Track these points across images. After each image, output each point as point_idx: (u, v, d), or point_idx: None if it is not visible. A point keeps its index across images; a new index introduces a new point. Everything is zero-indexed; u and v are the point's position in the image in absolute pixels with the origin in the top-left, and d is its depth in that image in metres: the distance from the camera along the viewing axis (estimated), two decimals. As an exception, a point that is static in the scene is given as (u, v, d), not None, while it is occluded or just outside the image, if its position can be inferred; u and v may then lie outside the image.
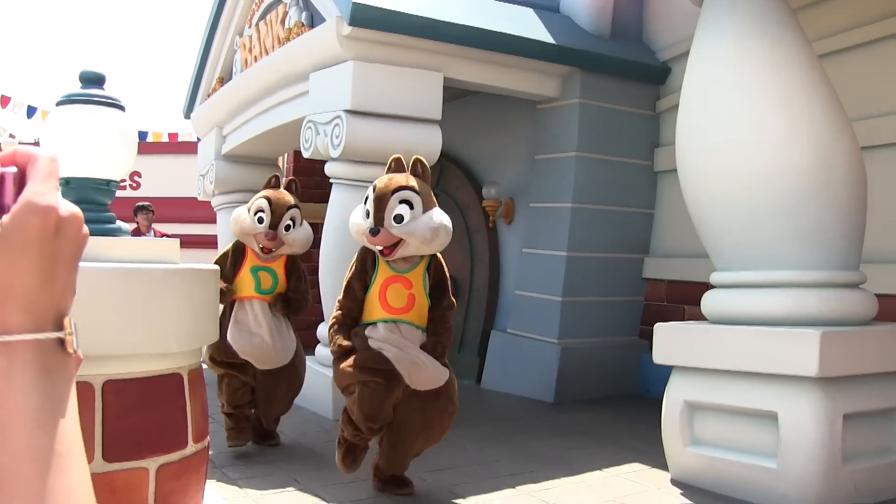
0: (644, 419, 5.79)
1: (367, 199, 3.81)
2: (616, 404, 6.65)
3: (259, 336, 4.74)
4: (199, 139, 10.31)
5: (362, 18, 5.73)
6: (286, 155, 11.20)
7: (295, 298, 4.98)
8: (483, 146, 8.46)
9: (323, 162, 6.42)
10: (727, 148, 4.15)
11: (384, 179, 3.82)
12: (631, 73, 7.10)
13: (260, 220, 4.78)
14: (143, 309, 2.28)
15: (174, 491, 2.39)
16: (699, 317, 4.57)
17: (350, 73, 5.90)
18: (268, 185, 5.05)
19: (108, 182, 2.75)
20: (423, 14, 5.94)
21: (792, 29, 4.26)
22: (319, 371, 6.26)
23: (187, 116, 10.36)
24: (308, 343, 9.12)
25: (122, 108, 2.77)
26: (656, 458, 4.57)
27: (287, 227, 4.86)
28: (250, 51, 8.03)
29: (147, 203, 8.73)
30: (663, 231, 7.30)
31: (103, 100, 2.70)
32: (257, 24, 7.88)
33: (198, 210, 12.70)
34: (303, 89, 6.69)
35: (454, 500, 3.96)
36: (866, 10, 5.54)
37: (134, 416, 2.27)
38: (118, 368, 2.25)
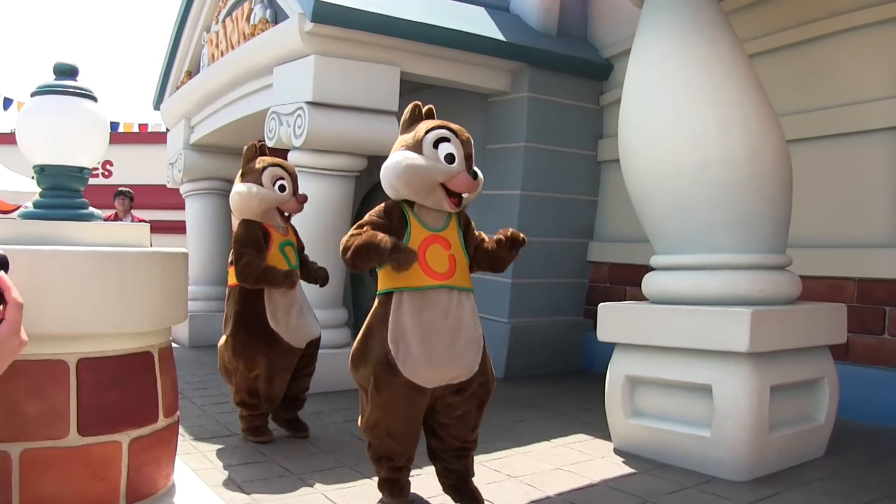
0: (588, 393, 5.83)
1: (439, 141, 3.04)
2: (562, 379, 6.69)
3: (301, 313, 4.37)
4: (168, 129, 10.15)
5: (323, 15, 5.66)
6: (251, 145, 11.04)
7: (325, 270, 4.67)
8: (438, 137, 8.39)
9: (286, 151, 6.35)
10: (666, 141, 4.16)
11: (453, 125, 3.18)
12: (576, 69, 7.10)
13: (282, 189, 4.28)
14: (115, 290, 2.27)
15: (146, 463, 2.36)
16: (640, 297, 4.60)
17: (312, 67, 5.84)
18: (255, 153, 4.41)
19: (81, 170, 2.71)
20: (381, 12, 5.87)
21: (725, 30, 4.29)
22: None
23: (157, 108, 10.20)
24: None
25: (94, 98, 2.73)
26: (600, 430, 4.60)
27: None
28: (217, 46, 7.90)
29: (126, 189, 8.50)
30: (606, 217, 7.34)
31: (76, 91, 2.67)
32: (224, 21, 7.74)
33: (167, 197, 12.51)
34: (267, 82, 6.61)
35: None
36: (791, 14, 5.60)
37: (108, 393, 2.27)
38: (92, 347, 2.25)
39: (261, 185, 4.24)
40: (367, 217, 3.07)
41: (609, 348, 4.41)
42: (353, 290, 9.04)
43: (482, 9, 6.91)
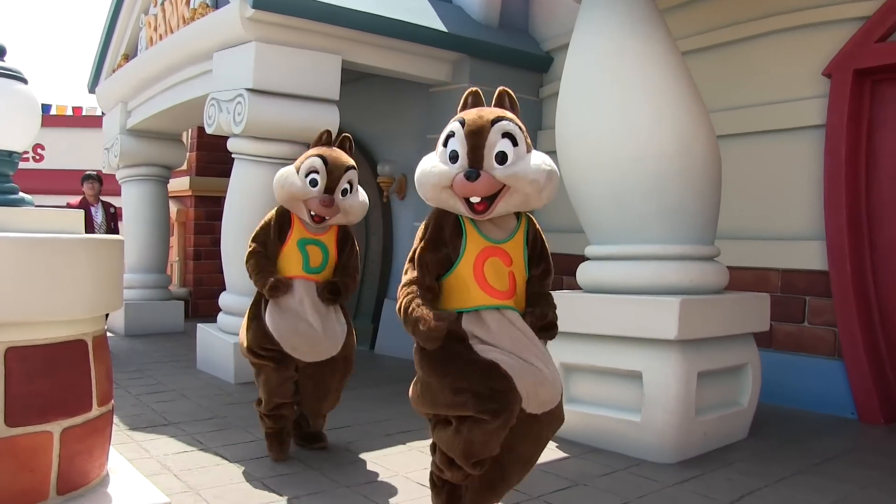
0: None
1: (448, 138, 2.59)
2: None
3: (305, 322, 3.71)
4: (103, 113, 9.87)
5: (265, 2, 5.57)
6: (190, 130, 10.85)
7: (343, 283, 3.87)
8: (378, 126, 8.38)
9: (225, 138, 6.25)
10: (601, 134, 4.22)
11: (472, 112, 2.63)
12: (516, 60, 7.14)
13: (313, 183, 3.71)
14: (46, 278, 2.20)
15: (79, 453, 2.31)
16: (575, 286, 4.67)
17: (252, 53, 5.75)
18: (319, 142, 3.93)
19: (11, 153, 2.62)
20: (323, 0, 5.81)
21: (660, 28, 4.36)
22: (221, 338, 6.13)
23: (92, 91, 9.91)
24: (210, 312, 8.94)
25: (24, 80, 2.63)
26: (535, 414, 4.65)
27: (344, 192, 3.80)
28: (155, 29, 7.71)
29: (94, 172, 8.14)
30: (543, 207, 7.38)
31: (5, 72, 2.57)
32: (163, 4, 7.55)
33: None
34: (206, 68, 6.49)
35: (350, 455, 3.94)
36: (724, 14, 5.73)
37: (38, 382, 2.21)
38: (21, 335, 2.19)
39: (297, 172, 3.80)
40: (420, 230, 2.67)
41: (545, 336, 4.45)
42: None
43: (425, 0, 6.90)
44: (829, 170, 5.09)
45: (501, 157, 2.53)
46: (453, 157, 2.54)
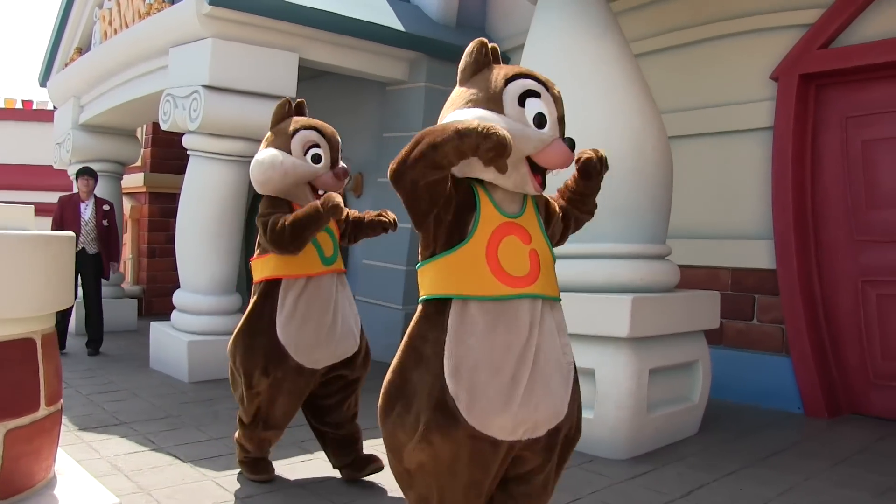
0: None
1: (524, 95, 2.09)
2: (456, 363, 6.74)
3: (330, 328, 3.24)
4: (55, 108, 9.66)
5: (221, -2, 5.50)
6: (144, 126, 10.68)
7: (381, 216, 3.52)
8: (335, 123, 8.15)
9: (180, 134, 6.16)
10: (556, 133, 4.24)
11: (541, 75, 2.21)
12: (473, 61, 7.15)
13: (316, 159, 3.24)
14: None
15: (25, 454, 2.25)
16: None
17: (209, 50, 5.68)
18: (285, 114, 3.39)
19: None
20: (280, -4, 5.76)
21: (613, 30, 4.41)
22: (175, 336, 6.04)
23: (43, 84, 9.69)
24: (164, 310, 8.80)
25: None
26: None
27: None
28: (110, 23, 7.56)
29: (89, 167, 7.76)
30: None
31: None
32: (116, -3, 7.42)
33: (52, 178, 11.91)
34: (162, 63, 6.40)
35: (302, 455, 3.91)
36: (676, 17, 5.80)
37: None
38: None
39: (289, 152, 3.22)
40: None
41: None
42: (247, 276, 8.87)
43: (383, -2, 6.88)
44: (777, 170, 5.19)
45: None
46: (539, 121, 2.06)
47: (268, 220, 3.11)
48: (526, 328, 2.01)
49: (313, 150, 3.25)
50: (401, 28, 6.59)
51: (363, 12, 6.37)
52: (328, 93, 8.20)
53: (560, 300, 2.21)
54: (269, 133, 3.38)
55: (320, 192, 3.23)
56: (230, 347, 3.32)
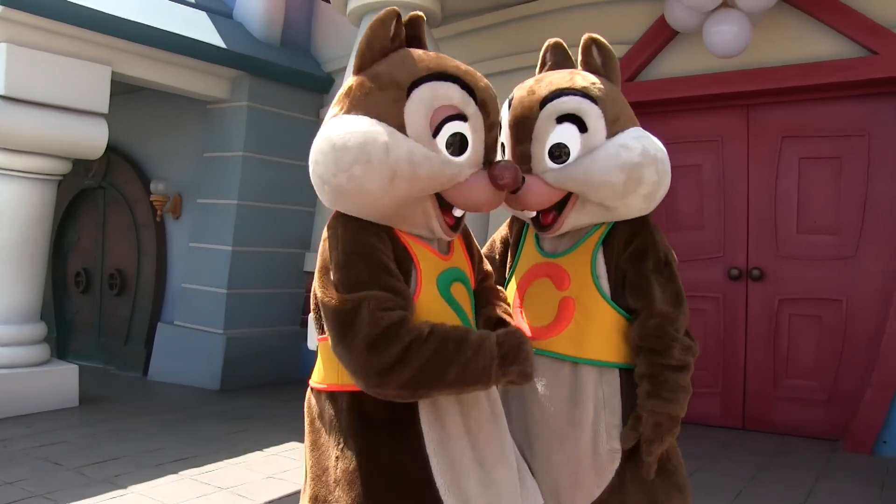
0: (304, 402, 5.85)
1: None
2: (279, 388, 6.63)
3: (500, 462, 1.67)
4: None
5: (18, 0, 5.11)
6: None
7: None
8: (153, 142, 7.97)
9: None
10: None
11: (527, 85, 1.91)
12: (297, 80, 7.12)
13: (462, 146, 1.59)
14: None
15: None
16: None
17: (3, 56, 5.24)
18: (389, 40, 1.71)
19: None
20: (88, 5, 5.44)
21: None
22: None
23: None
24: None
25: None
26: (314, 436, 4.63)
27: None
28: None
29: None
30: (323, 227, 7.39)
31: None
32: None
33: None
34: (-49, 69, 5.86)
35: (114, 491, 3.69)
36: (497, 45, 6.07)
37: None
38: None
39: (402, 128, 1.57)
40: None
41: (324, 357, 4.46)
42: (55, 302, 8.27)
43: (204, 13, 6.70)
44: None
45: (561, 152, 1.76)
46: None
47: (360, 305, 1.55)
48: (536, 402, 1.72)
49: (454, 127, 1.59)
50: (222, 45, 6.44)
51: (182, 27, 6.17)
52: (146, 109, 7.84)
53: (610, 365, 1.73)
54: (351, 80, 1.73)
55: (456, 213, 1.66)
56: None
